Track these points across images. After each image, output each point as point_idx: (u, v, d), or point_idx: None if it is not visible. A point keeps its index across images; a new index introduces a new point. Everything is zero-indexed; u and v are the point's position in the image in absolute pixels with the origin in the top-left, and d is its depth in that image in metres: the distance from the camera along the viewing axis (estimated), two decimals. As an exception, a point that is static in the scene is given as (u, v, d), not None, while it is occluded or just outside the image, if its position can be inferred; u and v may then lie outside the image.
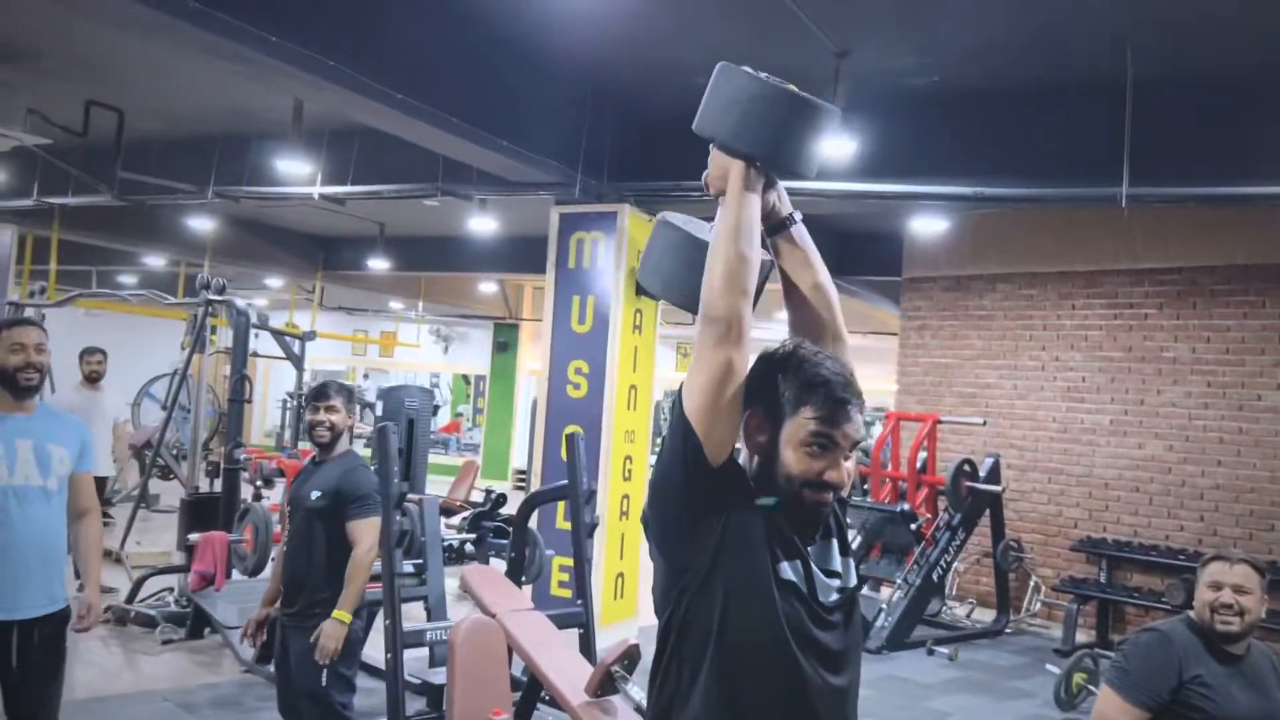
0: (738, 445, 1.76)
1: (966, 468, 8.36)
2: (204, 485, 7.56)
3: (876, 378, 15.64)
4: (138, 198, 8.65)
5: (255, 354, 11.76)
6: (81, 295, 8.43)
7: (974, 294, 9.76)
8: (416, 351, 19.98)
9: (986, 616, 8.88)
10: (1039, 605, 8.92)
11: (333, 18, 5.22)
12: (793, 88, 1.81)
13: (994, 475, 8.46)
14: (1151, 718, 2.82)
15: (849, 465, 1.73)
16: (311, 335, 10.72)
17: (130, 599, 6.87)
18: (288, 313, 16.82)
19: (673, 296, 1.95)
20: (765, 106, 1.79)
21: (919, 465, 8.74)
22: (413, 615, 6.55)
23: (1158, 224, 8.52)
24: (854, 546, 1.85)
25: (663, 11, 5.82)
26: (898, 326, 10.60)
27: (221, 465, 6.88)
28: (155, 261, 15.11)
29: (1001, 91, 6.36)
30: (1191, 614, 2.95)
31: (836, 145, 6.09)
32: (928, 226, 9.40)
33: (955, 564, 8.64)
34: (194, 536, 6.01)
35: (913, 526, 8.18)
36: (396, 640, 4.70)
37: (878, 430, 10.71)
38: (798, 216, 1.90)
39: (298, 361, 10.17)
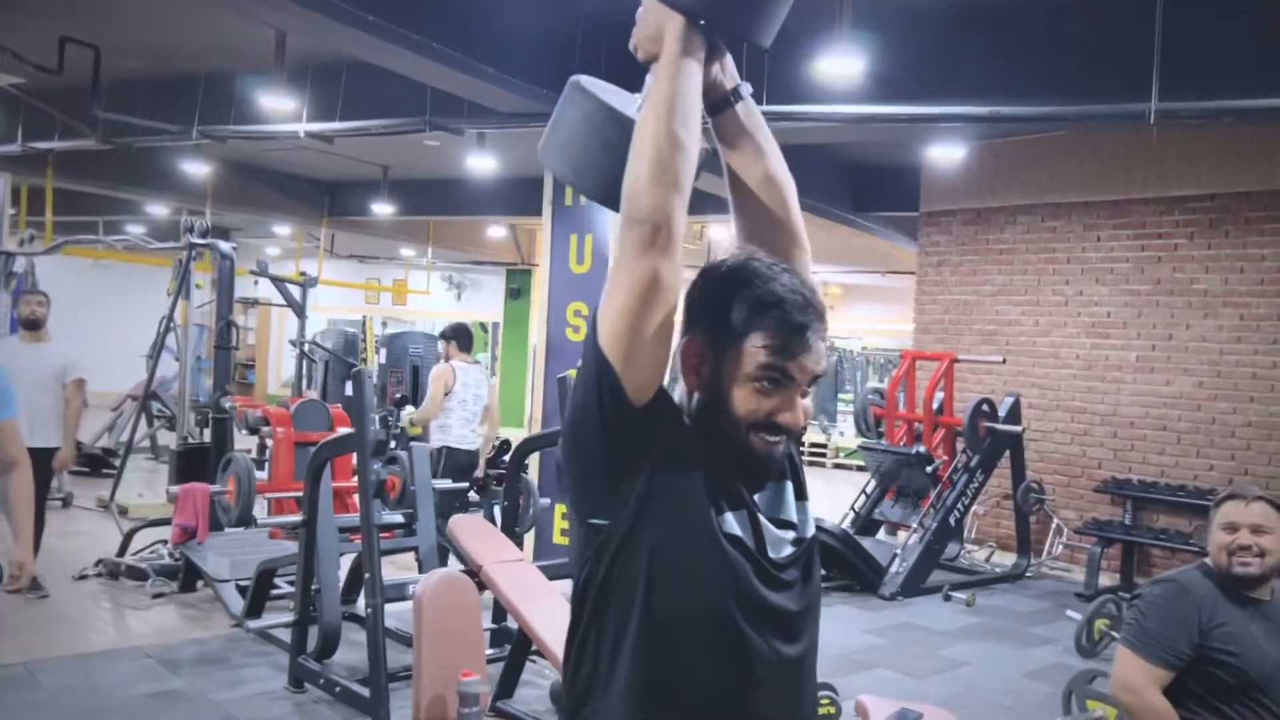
0: (671, 378, 1.46)
1: (985, 408, 8.04)
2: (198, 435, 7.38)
3: (895, 318, 15.28)
4: (123, 140, 8.37)
5: (256, 301, 11.59)
6: (68, 243, 8.20)
7: (994, 227, 9.35)
8: (430, 300, 19.73)
9: (1007, 560, 8.61)
10: (1061, 549, 8.64)
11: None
12: None
13: (1014, 415, 8.14)
14: (1175, 676, 2.53)
15: (806, 404, 1.41)
16: (313, 281, 10.51)
17: (121, 552, 6.71)
18: (297, 260, 16.58)
19: (583, 184, 1.58)
20: None
21: (936, 406, 8.43)
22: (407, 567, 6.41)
23: (1189, 148, 8.07)
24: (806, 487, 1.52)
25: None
26: (915, 264, 10.22)
27: (210, 415, 6.66)
28: (159, 210, 14.87)
29: (1020, 2, 5.93)
30: (1208, 560, 2.66)
31: (842, 64, 5.70)
32: (946, 156, 8.97)
33: (974, 507, 8.36)
34: (174, 489, 5.81)
35: (929, 469, 7.89)
36: (377, 592, 4.50)
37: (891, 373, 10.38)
38: (745, 90, 1.52)
39: (299, 308, 9.97)
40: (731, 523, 1.38)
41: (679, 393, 1.47)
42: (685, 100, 1.34)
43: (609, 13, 6.60)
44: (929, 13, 6.14)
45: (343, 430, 5.75)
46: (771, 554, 1.42)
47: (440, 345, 6.94)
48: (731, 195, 1.58)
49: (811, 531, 1.51)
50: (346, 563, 5.73)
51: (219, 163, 11.79)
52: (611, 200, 1.43)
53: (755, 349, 1.37)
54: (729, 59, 1.50)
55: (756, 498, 1.45)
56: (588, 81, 1.57)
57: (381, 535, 5.54)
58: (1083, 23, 5.81)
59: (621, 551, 1.37)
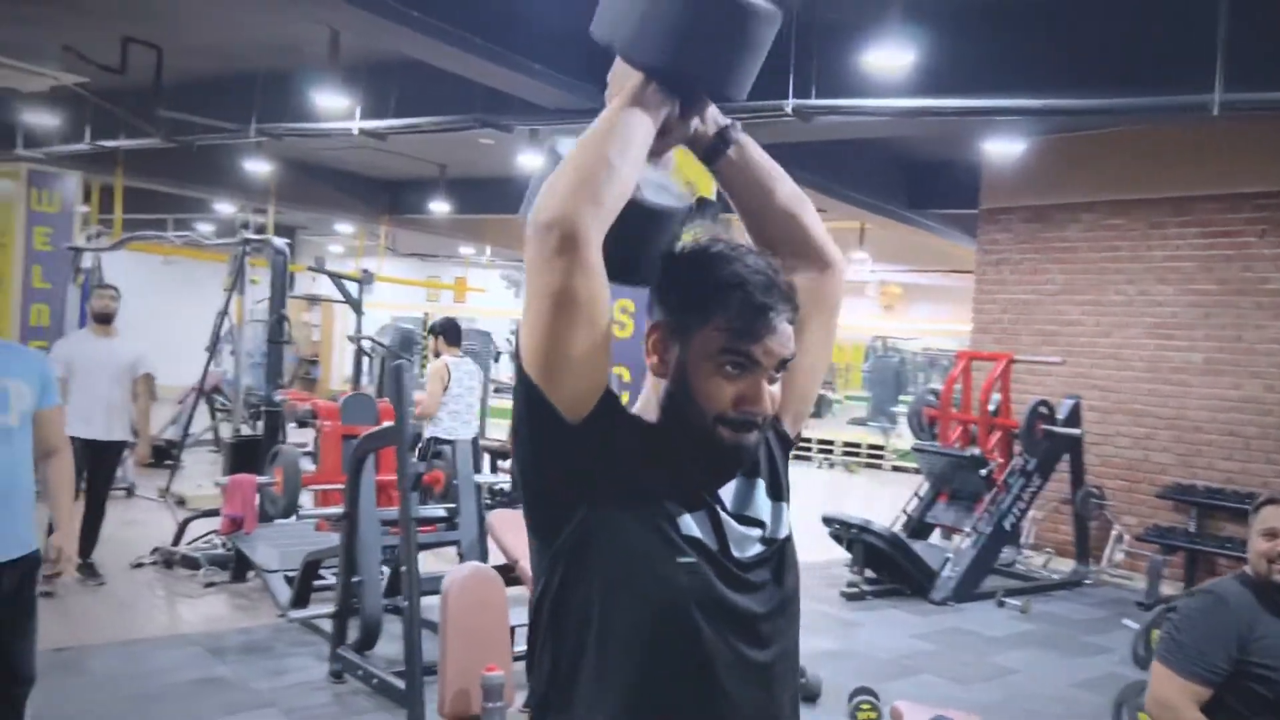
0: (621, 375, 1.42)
1: (1043, 410, 7.84)
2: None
3: (957, 318, 15.02)
4: (185, 138, 8.56)
5: (318, 298, 11.78)
6: (132, 239, 8.39)
7: (1055, 225, 9.13)
8: (488, 297, 19.90)
9: (1065, 567, 8.40)
10: (1121, 556, 8.39)
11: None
12: None
13: (1073, 418, 7.93)
14: (1213, 693, 2.42)
15: (775, 389, 1.36)
16: (369, 278, 10.64)
17: (176, 541, 6.85)
18: (358, 257, 16.84)
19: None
20: (674, 3, 1.35)
21: (992, 408, 8.25)
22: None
23: (1258, 141, 7.77)
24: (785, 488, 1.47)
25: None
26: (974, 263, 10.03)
27: (262, 408, 6.77)
28: (226, 208, 15.21)
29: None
30: (1247, 568, 2.54)
31: (891, 58, 5.60)
32: (1005, 152, 8.77)
33: (1031, 511, 8.16)
34: (222, 480, 5.91)
35: (983, 472, 7.72)
36: (414, 586, 4.52)
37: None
38: (734, 132, 1.48)
39: (356, 305, 10.10)
40: (690, 524, 1.34)
41: (647, 389, 1.43)
42: (625, 131, 1.32)
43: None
44: (983, 4, 6.00)
45: (386, 424, 5.79)
46: (735, 553, 1.37)
47: (430, 340, 6.96)
48: (750, 233, 1.54)
49: (785, 533, 1.45)
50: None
51: (281, 161, 12.01)
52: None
53: (717, 332, 1.33)
54: (711, 109, 1.47)
55: (725, 494, 1.41)
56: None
57: (423, 529, 5.59)
58: (1143, 12, 5.63)
59: (574, 563, 1.33)
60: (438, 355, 6.82)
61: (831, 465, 15.06)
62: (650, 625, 1.31)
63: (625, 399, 1.41)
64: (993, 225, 9.59)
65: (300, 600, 5.66)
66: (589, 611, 1.32)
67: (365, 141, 8.36)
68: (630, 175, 1.32)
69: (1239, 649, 2.40)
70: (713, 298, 1.34)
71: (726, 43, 1.39)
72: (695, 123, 1.45)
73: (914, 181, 10.87)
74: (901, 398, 17.39)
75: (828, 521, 7.53)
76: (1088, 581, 8.10)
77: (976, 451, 7.83)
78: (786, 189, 1.52)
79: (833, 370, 22.23)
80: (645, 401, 1.43)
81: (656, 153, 1.44)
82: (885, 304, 18.49)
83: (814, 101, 6.03)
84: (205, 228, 17.23)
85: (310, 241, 20.22)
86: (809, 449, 15.66)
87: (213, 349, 7.41)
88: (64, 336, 7.07)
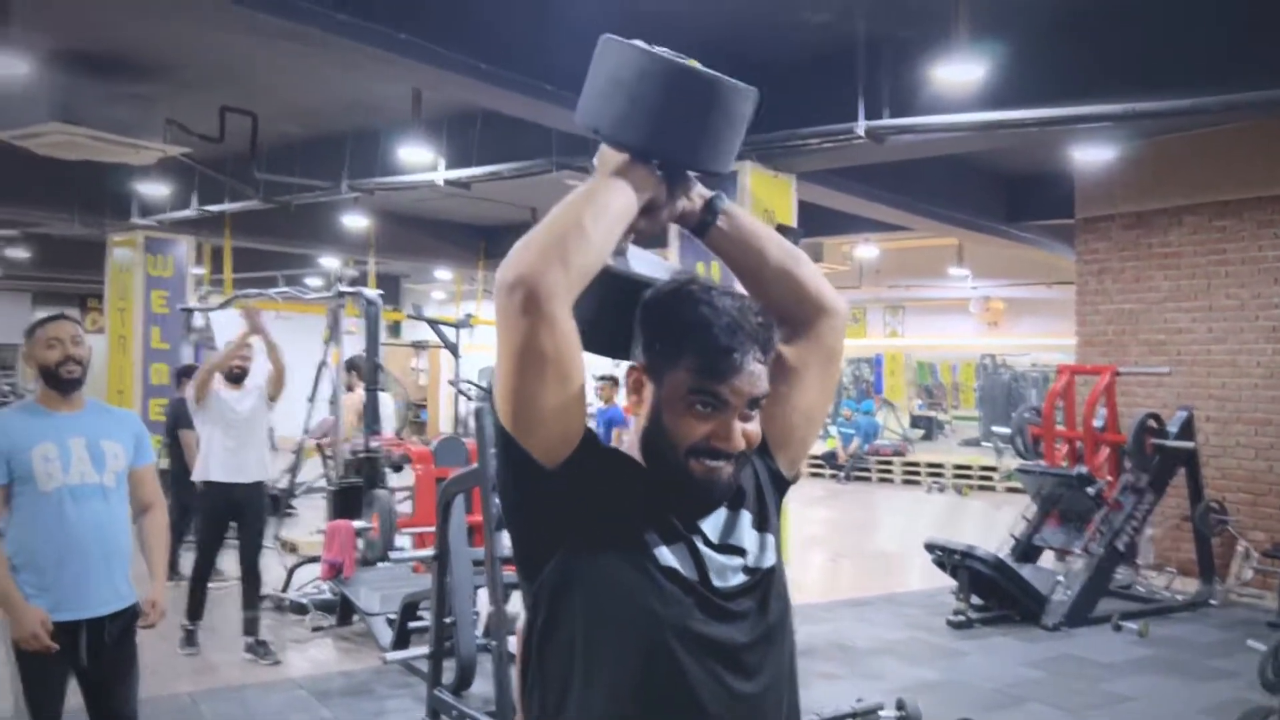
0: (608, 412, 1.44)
1: (1152, 423, 7.52)
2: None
3: (1065, 331, 14.54)
4: (282, 199, 8.94)
5: (425, 344, 12.07)
6: (237, 297, 8.80)
7: (1157, 230, 8.78)
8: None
9: (1190, 587, 7.99)
10: (1250, 573, 7.95)
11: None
12: (693, 63, 1.42)
13: (1186, 431, 7.57)
14: None
15: (750, 426, 1.38)
16: (466, 322, 10.87)
17: (285, 587, 7.08)
18: (457, 302, 17.25)
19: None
20: (655, 85, 1.40)
21: (1098, 423, 7.94)
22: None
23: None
24: (772, 520, 1.46)
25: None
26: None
27: (358, 454, 6.97)
28: (331, 262, 15.79)
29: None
30: None
31: (962, 73, 5.51)
32: (1096, 160, 8.51)
33: (1147, 530, 7.81)
34: (322, 526, 6.09)
35: (1091, 490, 7.42)
36: (501, 625, 4.57)
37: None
38: (720, 203, 1.52)
39: (454, 349, 10.32)
40: (667, 555, 1.36)
41: (631, 430, 1.47)
42: (603, 200, 1.36)
43: (724, 41, 6.61)
44: (1054, 13, 5.86)
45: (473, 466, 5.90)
46: (716, 582, 1.39)
47: (345, 374, 7.31)
48: (751, 294, 1.55)
49: (771, 562, 1.46)
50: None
51: (378, 214, 12.42)
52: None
53: (686, 373, 1.36)
54: (696, 186, 1.52)
55: (706, 525, 1.43)
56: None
57: (510, 568, 5.66)
58: (1227, 6, 5.41)
59: (557, 600, 1.37)
60: (350, 389, 7.20)
61: (942, 489, 14.69)
62: (632, 658, 1.33)
63: None
64: (1091, 234, 9.29)
65: (401, 642, 5.79)
66: (572, 647, 1.36)
67: (453, 190, 8.59)
68: (603, 242, 1.36)
69: None
70: (681, 340, 1.37)
71: (704, 121, 1.44)
72: (683, 201, 1.50)
73: (1008, 194, 10.62)
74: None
75: (930, 548, 7.35)
76: (1213, 602, 7.69)
77: (1083, 469, 7.53)
78: (777, 248, 1.55)
79: (942, 390, 21.74)
80: (629, 442, 1.47)
81: (648, 233, 1.50)
82: (989, 320, 18.02)
83: (886, 122, 5.96)
84: (314, 281, 17.93)
85: (413, 289, 20.80)
86: (917, 473, 15.32)
87: (313, 399, 7.67)
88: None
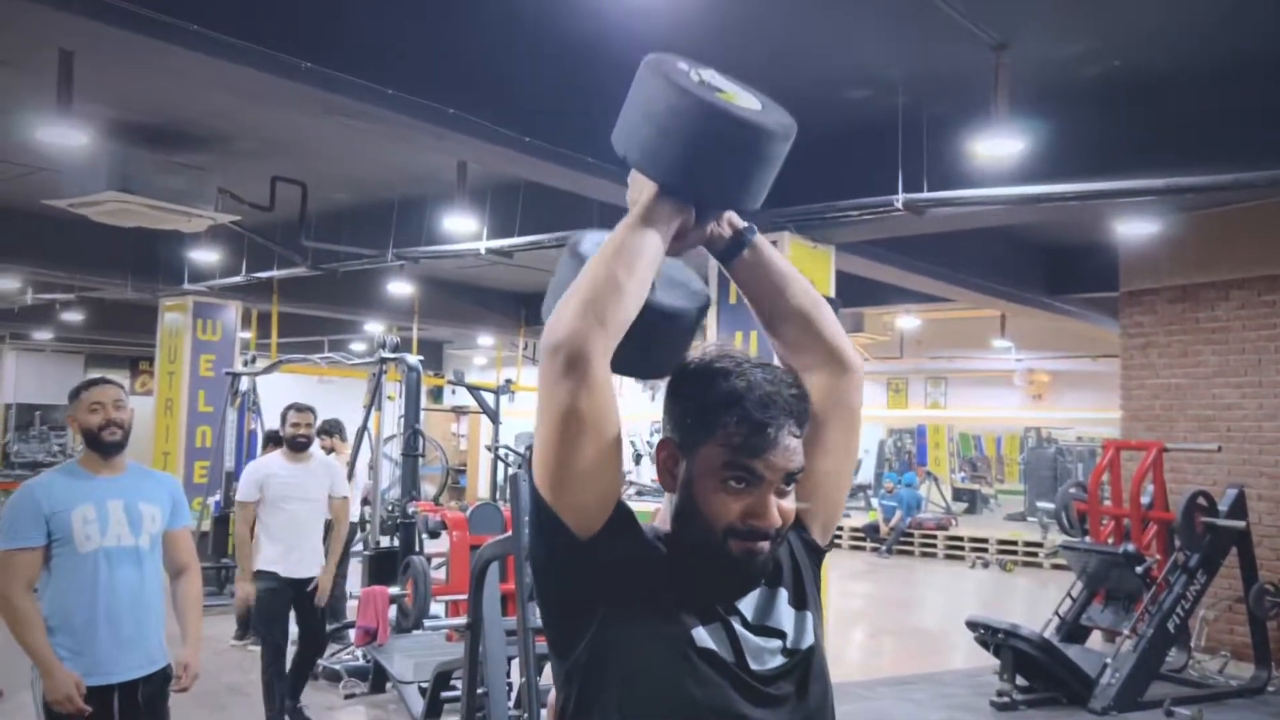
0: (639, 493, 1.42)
1: (1201, 501, 7.34)
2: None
3: (1110, 405, 14.32)
4: (329, 266, 9.12)
5: (464, 409, 12.16)
6: (283, 362, 8.94)
7: (1204, 304, 8.66)
8: (624, 399, 20.17)
9: (1245, 672, 7.71)
10: (1307, 659, 7.66)
11: (463, 75, 5.34)
12: (724, 100, 1.41)
13: (1237, 509, 7.37)
14: None
15: (785, 503, 1.36)
16: (505, 388, 10.94)
17: (320, 653, 7.04)
18: (498, 369, 17.37)
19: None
20: (684, 122, 1.39)
21: (1146, 500, 7.76)
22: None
23: None
24: (808, 596, 1.43)
25: (808, 25, 5.51)
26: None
27: (396, 520, 6.98)
28: (375, 327, 16.01)
29: (1187, 73, 5.59)
30: None
31: (1001, 146, 5.52)
32: (1141, 233, 8.44)
33: (1200, 611, 7.57)
34: (356, 592, 6.08)
35: (1139, 569, 7.22)
36: (532, 698, 4.51)
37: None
38: (751, 234, 1.52)
39: (493, 415, 10.38)
40: (704, 637, 1.33)
41: (664, 506, 1.44)
42: (633, 249, 1.36)
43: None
44: (1090, 88, 5.89)
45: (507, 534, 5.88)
46: (754, 665, 1.35)
47: (322, 438, 7.31)
48: (766, 331, 1.57)
49: (810, 643, 1.42)
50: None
51: (422, 281, 12.61)
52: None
53: (719, 448, 1.34)
54: (729, 213, 1.51)
55: (744, 606, 1.39)
56: (583, 238, 1.57)
57: (543, 639, 5.59)
58: (1261, 86, 5.41)
59: (590, 680, 1.34)
60: (330, 451, 7.13)
61: (985, 565, 14.38)
62: None
63: None
64: (1135, 308, 9.18)
65: (433, 711, 5.73)
66: None
67: (496, 259, 8.71)
68: (637, 293, 1.35)
69: None
70: (713, 414, 1.35)
71: (738, 160, 1.42)
72: (712, 226, 1.49)
73: (1051, 266, 10.56)
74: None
75: (972, 626, 7.17)
76: (1270, 689, 7.41)
77: (1131, 547, 7.34)
78: (800, 289, 1.53)
79: (986, 463, 21.41)
80: (662, 517, 1.44)
81: (673, 254, 1.48)
82: (1033, 393, 17.80)
83: (925, 195, 5.97)
84: (359, 346, 18.19)
85: (455, 355, 21.00)
86: (961, 548, 15.03)
87: (353, 464, 7.72)
88: (255, 460, 6.58)
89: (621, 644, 1.32)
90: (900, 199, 5.95)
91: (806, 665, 1.41)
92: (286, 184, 8.04)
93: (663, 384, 1.49)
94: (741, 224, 1.51)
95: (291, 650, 5.71)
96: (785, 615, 1.42)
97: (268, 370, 8.92)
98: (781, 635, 1.40)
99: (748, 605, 1.40)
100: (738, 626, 1.37)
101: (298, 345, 14.58)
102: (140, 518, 3.25)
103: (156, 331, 11.61)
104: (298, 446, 5.55)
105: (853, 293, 9.38)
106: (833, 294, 7.32)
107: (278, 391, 10.58)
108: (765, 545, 1.35)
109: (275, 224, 8.92)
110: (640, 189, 1.44)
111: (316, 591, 5.54)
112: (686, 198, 1.43)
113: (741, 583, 1.38)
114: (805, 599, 1.46)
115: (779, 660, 1.38)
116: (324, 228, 8.89)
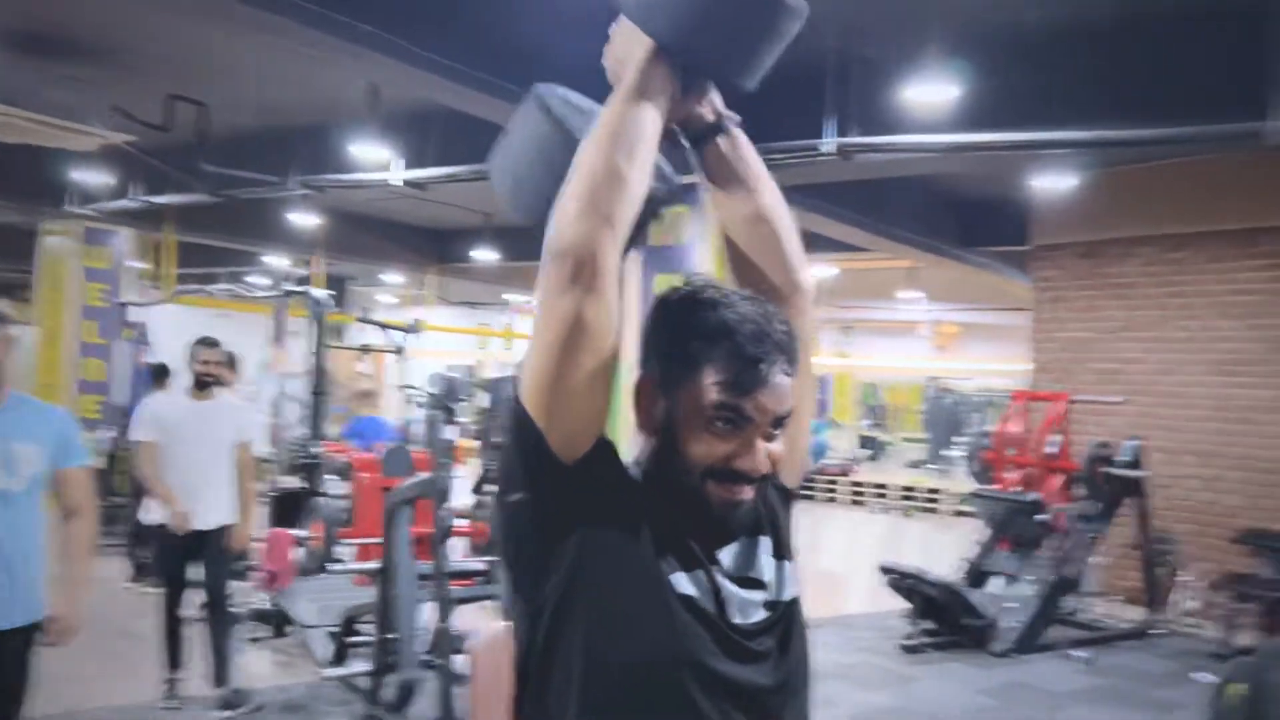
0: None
1: (1103, 452, 7.54)
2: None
3: (1017, 357, 14.70)
4: (230, 193, 8.65)
5: (368, 347, 11.91)
6: (179, 293, 8.50)
7: (1112, 260, 8.86)
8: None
9: (1135, 614, 8.03)
10: (1193, 604, 8.00)
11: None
12: None
13: (1136, 460, 7.61)
14: None
15: (773, 446, 1.24)
16: (414, 327, 10.65)
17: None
18: (407, 307, 16.98)
19: (521, 205, 1.44)
20: None
21: (1052, 450, 7.96)
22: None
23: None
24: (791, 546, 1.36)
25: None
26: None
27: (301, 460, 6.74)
28: (279, 261, 15.42)
29: (1121, 23, 5.60)
30: None
31: (933, 93, 5.47)
32: (1054, 186, 8.55)
33: (1096, 558, 7.83)
34: (259, 534, 5.85)
35: (1040, 517, 7.42)
36: (447, 644, 4.40)
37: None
38: (731, 123, 1.39)
39: (401, 353, 10.13)
40: (684, 583, 1.21)
41: (635, 444, 1.31)
42: (633, 131, 1.23)
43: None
44: (1026, 38, 5.85)
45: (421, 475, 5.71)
46: (736, 618, 1.24)
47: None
48: (725, 234, 1.44)
49: (792, 594, 1.32)
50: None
51: (328, 213, 12.13)
52: (542, 223, 1.30)
53: (707, 386, 1.21)
54: (715, 93, 1.39)
55: (723, 555, 1.28)
56: (550, 93, 1.44)
57: (461, 583, 5.46)
58: (1193, 41, 5.44)
59: (557, 620, 1.21)
60: None
61: (886, 510, 14.71)
62: (638, 693, 1.18)
63: None
64: (1045, 262, 9.36)
65: (340, 657, 5.56)
66: (570, 676, 1.20)
67: (409, 191, 8.38)
68: (640, 179, 1.23)
69: None
70: (699, 349, 1.22)
71: (752, 26, 1.30)
72: (694, 103, 1.37)
73: (963, 219, 10.67)
74: (956, 439, 17.02)
75: (885, 570, 7.28)
76: (1156, 631, 7.72)
77: (1035, 496, 7.53)
78: (771, 196, 1.42)
79: (885, 412, 21.87)
80: (634, 458, 1.31)
81: None
82: (939, 344, 18.18)
83: (855, 139, 5.90)
84: (260, 280, 17.53)
85: (361, 292, 20.44)
86: (862, 494, 15.34)
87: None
88: (151, 397, 5.80)
89: (595, 583, 1.21)
90: (832, 143, 5.86)
91: (789, 618, 1.31)
92: (185, 103, 7.56)
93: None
94: (725, 110, 1.40)
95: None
96: (767, 566, 1.33)
97: (162, 301, 8.46)
98: (763, 586, 1.31)
99: (728, 556, 1.30)
100: (719, 576, 1.26)
101: (195, 277, 13.94)
102: (14, 459, 2.94)
103: (35, 257, 10.87)
104: (203, 385, 5.04)
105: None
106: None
107: (173, 324, 10.08)
108: (748, 491, 1.24)
109: (172, 147, 8.40)
110: (627, 47, 1.30)
111: (223, 541, 5.14)
112: (689, 61, 1.29)
113: (721, 531, 1.28)
114: (785, 548, 1.36)
115: (761, 614, 1.28)
116: (225, 152, 8.39)
